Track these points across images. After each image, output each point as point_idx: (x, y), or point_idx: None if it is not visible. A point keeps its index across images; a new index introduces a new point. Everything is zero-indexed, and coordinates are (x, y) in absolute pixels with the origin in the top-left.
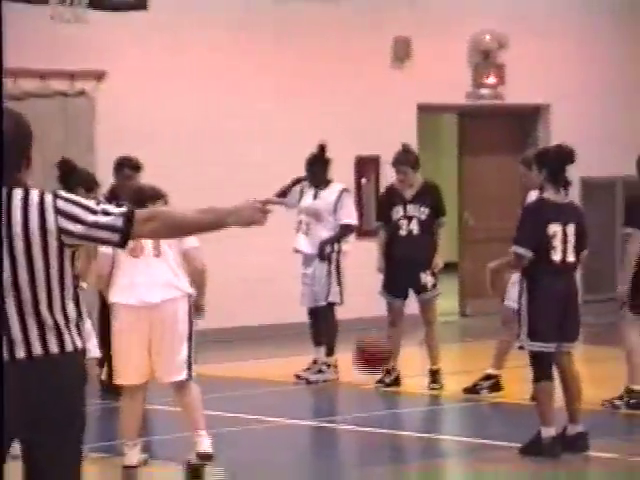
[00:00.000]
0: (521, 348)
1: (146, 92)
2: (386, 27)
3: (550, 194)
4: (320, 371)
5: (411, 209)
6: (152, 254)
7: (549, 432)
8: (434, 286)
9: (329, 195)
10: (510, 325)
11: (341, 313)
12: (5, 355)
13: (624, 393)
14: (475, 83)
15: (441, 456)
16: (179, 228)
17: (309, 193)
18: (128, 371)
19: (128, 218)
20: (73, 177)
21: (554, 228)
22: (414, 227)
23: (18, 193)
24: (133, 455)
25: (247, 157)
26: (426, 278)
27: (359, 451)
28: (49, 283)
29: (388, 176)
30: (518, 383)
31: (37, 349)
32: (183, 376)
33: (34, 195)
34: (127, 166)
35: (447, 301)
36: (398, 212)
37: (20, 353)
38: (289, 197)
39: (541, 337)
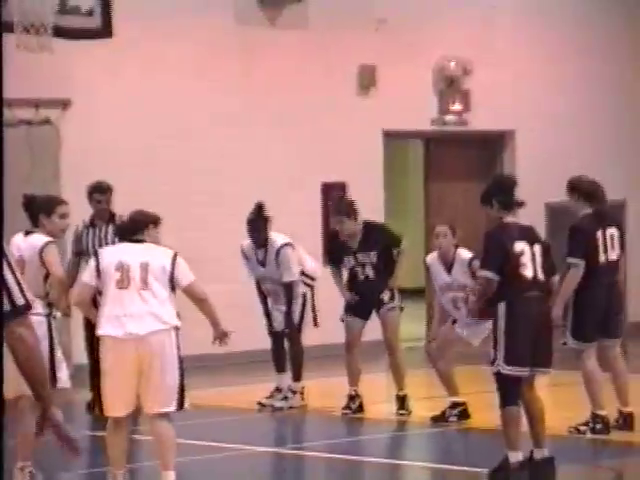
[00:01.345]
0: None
1: (111, 119)
2: (351, 54)
3: (509, 219)
4: (285, 397)
5: (361, 257)
6: (140, 286)
7: (516, 457)
8: (392, 299)
9: (272, 258)
10: (443, 349)
11: (309, 339)
12: None
13: (590, 419)
14: (440, 109)
15: None
16: (27, 364)
17: (255, 259)
18: (115, 403)
19: (15, 312)
20: (34, 206)
21: (520, 246)
22: (369, 272)
23: None
24: None
25: (213, 183)
26: (384, 295)
27: (326, 478)
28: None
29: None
30: (485, 409)
31: None
32: (172, 408)
33: None
34: (96, 191)
35: (414, 327)
36: (350, 261)
37: None
38: (248, 267)
39: (518, 362)
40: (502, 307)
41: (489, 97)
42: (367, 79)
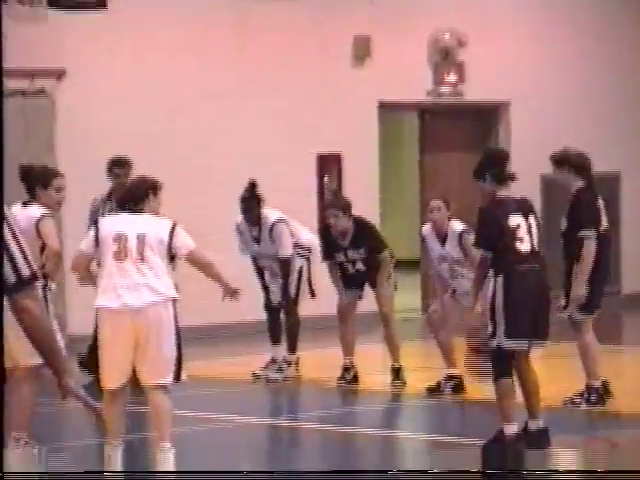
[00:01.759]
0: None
1: (105, 90)
2: (346, 26)
3: (503, 192)
4: (280, 369)
5: (351, 253)
6: (136, 258)
7: (512, 429)
8: (388, 277)
9: (267, 235)
10: (444, 320)
11: (304, 310)
12: None
13: (584, 390)
14: (435, 81)
15: (404, 453)
16: (35, 335)
17: (250, 236)
18: (112, 375)
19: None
20: (31, 177)
21: (516, 220)
22: (360, 266)
23: None
24: (116, 456)
25: (208, 155)
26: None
27: (321, 449)
28: None
29: (350, 174)
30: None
31: None
32: (168, 380)
33: None
34: (115, 165)
35: (409, 298)
36: (340, 257)
37: None
38: (240, 247)
39: (518, 335)
40: (499, 281)
41: (484, 69)
42: (362, 50)
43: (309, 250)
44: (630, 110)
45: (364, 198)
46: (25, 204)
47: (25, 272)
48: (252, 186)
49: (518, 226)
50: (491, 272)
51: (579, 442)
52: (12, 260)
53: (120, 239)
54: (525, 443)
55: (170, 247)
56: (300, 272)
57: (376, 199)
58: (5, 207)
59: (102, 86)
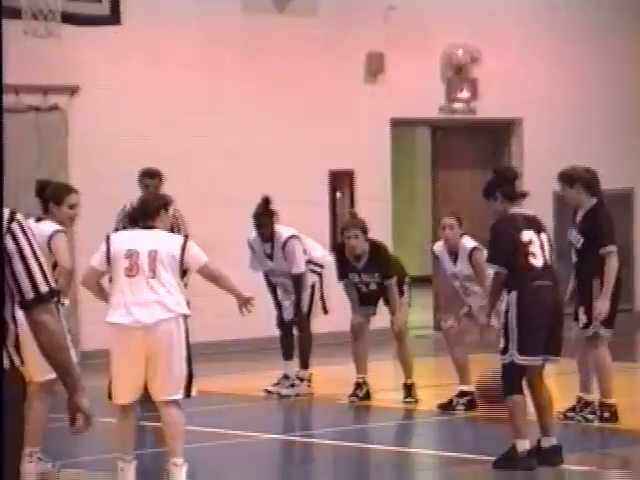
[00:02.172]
0: None
1: (119, 106)
2: (359, 42)
3: (514, 210)
4: (292, 385)
5: (365, 277)
6: (148, 275)
7: (524, 445)
8: (401, 294)
9: (279, 251)
10: (460, 336)
11: (317, 326)
12: None
13: (598, 407)
14: (448, 97)
15: (416, 470)
16: (51, 351)
17: (263, 253)
18: (123, 391)
19: (40, 299)
20: (46, 193)
21: (528, 235)
22: (373, 288)
23: None
24: (130, 471)
25: (220, 172)
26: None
27: (333, 466)
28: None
29: (362, 190)
30: None
31: None
32: (179, 395)
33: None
34: (145, 176)
35: (421, 315)
36: (354, 278)
37: None
38: (251, 263)
39: (531, 352)
40: (513, 297)
41: (497, 85)
42: (375, 67)
43: (321, 266)
44: None
45: (376, 214)
46: (38, 220)
47: (43, 288)
48: (266, 202)
49: (530, 241)
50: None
51: (593, 459)
52: (31, 276)
53: (132, 255)
54: (538, 460)
55: (182, 262)
56: (313, 288)
57: (388, 215)
58: (24, 221)
59: (115, 102)
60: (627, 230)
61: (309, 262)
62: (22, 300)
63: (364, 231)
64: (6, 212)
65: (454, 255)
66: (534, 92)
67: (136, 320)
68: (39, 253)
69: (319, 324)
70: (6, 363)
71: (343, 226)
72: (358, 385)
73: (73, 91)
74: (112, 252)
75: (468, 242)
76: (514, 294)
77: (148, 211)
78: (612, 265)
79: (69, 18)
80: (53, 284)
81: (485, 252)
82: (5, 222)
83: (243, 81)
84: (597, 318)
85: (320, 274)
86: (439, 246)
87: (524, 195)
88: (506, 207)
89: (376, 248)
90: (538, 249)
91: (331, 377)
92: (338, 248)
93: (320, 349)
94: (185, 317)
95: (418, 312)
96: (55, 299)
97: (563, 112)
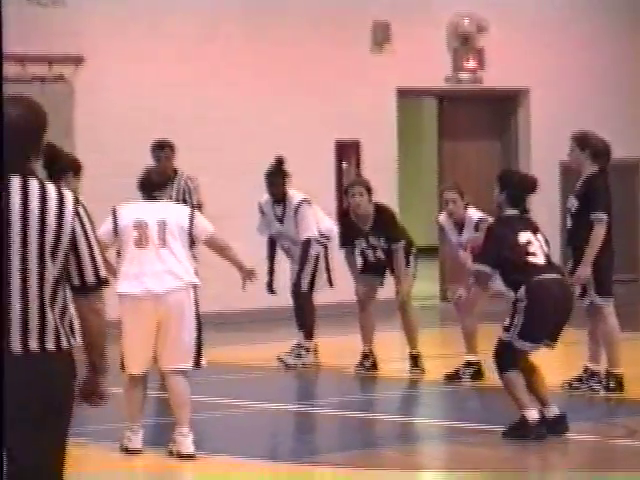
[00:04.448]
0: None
1: (124, 77)
2: (365, 12)
3: (510, 212)
4: (299, 355)
5: (372, 240)
6: (158, 244)
7: (532, 414)
8: (407, 264)
9: (291, 215)
10: (471, 306)
11: (323, 297)
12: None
13: (605, 377)
14: (454, 67)
15: (422, 439)
16: (96, 336)
17: (273, 215)
18: (136, 361)
19: (100, 283)
20: (60, 163)
21: (525, 236)
22: (380, 255)
23: (34, 184)
24: (137, 440)
25: (226, 143)
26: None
27: (338, 435)
28: (57, 278)
29: (368, 161)
30: None
31: (34, 344)
32: (188, 365)
33: (52, 189)
34: (156, 148)
35: (428, 285)
36: (361, 243)
37: (17, 346)
38: (259, 226)
39: (531, 339)
40: (522, 291)
41: (503, 55)
42: (380, 36)
43: (327, 238)
44: None
45: (382, 184)
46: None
47: (102, 274)
48: (279, 162)
49: (529, 242)
50: (511, 291)
51: (599, 429)
52: (93, 260)
53: (141, 226)
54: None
55: (191, 233)
56: (317, 260)
57: (394, 185)
58: (85, 205)
59: (121, 72)
60: (633, 200)
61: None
62: (82, 283)
63: (369, 190)
64: (69, 195)
65: (460, 226)
66: (541, 62)
67: (147, 290)
68: (92, 238)
69: (324, 295)
70: (53, 344)
71: (347, 185)
72: (365, 356)
73: (78, 61)
74: (119, 224)
75: (474, 214)
76: (523, 289)
77: (157, 182)
78: (598, 232)
79: None
80: (104, 272)
81: (491, 220)
82: (70, 205)
83: (248, 52)
84: (576, 282)
85: (326, 246)
86: (444, 217)
87: (526, 211)
88: (505, 208)
89: (382, 211)
90: (538, 249)
91: (338, 347)
92: (343, 213)
93: (326, 319)
94: (195, 287)
95: (424, 282)
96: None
97: (570, 82)
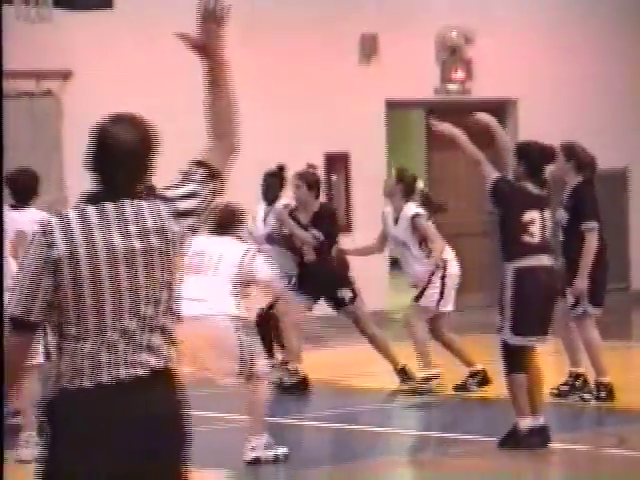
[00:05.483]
0: None
1: (112, 91)
2: (353, 24)
3: (528, 185)
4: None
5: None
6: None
7: (526, 422)
8: (353, 300)
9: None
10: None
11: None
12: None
13: (595, 386)
14: (443, 78)
15: (418, 452)
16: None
17: (259, 214)
18: None
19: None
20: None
21: (530, 215)
22: (310, 255)
23: (142, 204)
24: None
25: None
26: (344, 294)
27: (328, 447)
28: (166, 298)
29: (358, 173)
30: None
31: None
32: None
33: (151, 204)
34: None
35: None
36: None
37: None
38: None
39: (525, 332)
40: (510, 276)
41: (491, 65)
42: (369, 48)
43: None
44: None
45: (372, 196)
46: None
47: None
48: (280, 168)
49: (532, 221)
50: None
51: (589, 438)
52: None
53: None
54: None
55: (243, 268)
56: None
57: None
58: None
59: (108, 86)
60: (622, 209)
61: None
62: None
63: (310, 186)
64: (152, 202)
65: (396, 218)
66: (529, 72)
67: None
68: None
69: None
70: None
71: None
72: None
73: (66, 76)
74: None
75: (411, 208)
76: (511, 274)
77: (226, 222)
78: (591, 241)
79: (61, 2)
80: None
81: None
82: (168, 208)
83: (237, 64)
84: (573, 294)
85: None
86: (388, 209)
87: (544, 183)
88: (523, 180)
89: (325, 210)
90: (538, 229)
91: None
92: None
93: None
94: (238, 318)
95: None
96: None
97: (558, 92)
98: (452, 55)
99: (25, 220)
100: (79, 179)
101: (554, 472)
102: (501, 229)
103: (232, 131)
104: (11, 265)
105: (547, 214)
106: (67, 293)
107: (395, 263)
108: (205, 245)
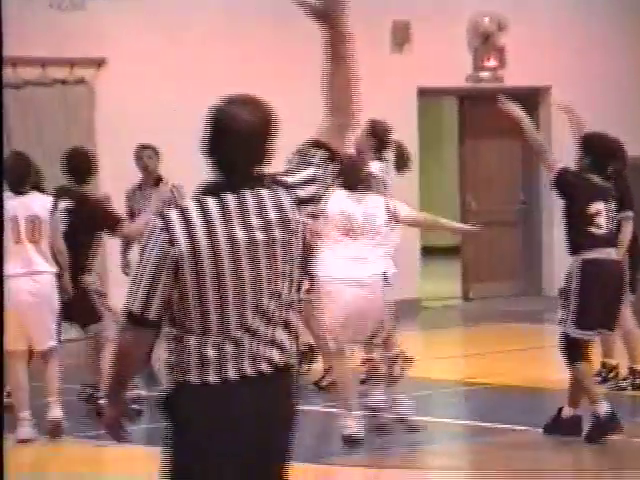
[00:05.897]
0: None
1: (145, 78)
2: (385, 11)
3: (593, 177)
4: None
5: None
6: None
7: (603, 407)
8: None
9: None
10: None
11: None
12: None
13: (628, 374)
14: (475, 66)
15: (448, 439)
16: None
17: None
18: None
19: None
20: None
21: (596, 207)
22: None
23: (263, 193)
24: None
25: None
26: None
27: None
28: (287, 290)
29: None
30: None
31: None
32: None
33: (272, 193)
34: (150, 148)
35: (450, 285)
36: None
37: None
38: None
39: (587, 326)
40: (576, 268)
41: (524, 53)
42: (401, 36)
43: None
44: None
45: (403, 184)
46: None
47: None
48: None
49: (598, 212)
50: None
51: (625, 427)
52: None
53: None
54: (555, 430)
55: None
56: None
57: (416, 185)
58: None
59: (141, 74)
60: None
61: None
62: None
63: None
64: (275, 189)
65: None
66: (562, 60)
67: None
68: None
69: None
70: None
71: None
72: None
73: (99, 64)
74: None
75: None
76: (578, 265)
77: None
78: (626, 230)
79: None
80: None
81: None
82: (290, 197)
83: (268, 52)
84: None
85: None
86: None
87: (609, 178)
88: (585, 170)
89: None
90: (604, 221)
91: None
92: None
93: None
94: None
95: (446, 282)
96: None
97: (592, 80)
98: (485, 42)
99: (36, 204)
100: (111, 166)
101: (588, 462)
102: (566, 221)
103: (350, 108)
104: (28, 249)
105: (612, 206)
106: (188, 288)
107: (427, 250)
108: (347, 205)
